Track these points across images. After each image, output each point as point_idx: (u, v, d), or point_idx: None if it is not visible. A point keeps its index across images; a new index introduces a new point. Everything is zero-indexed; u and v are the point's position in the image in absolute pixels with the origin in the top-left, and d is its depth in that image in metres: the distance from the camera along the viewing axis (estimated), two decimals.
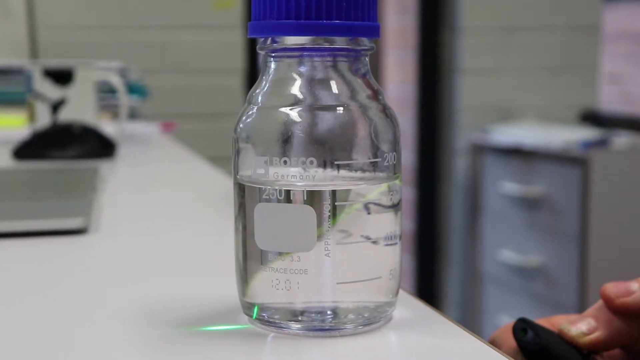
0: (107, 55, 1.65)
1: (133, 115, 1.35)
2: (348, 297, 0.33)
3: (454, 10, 2.12)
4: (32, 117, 1.02)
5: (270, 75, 0.34)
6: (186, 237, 0.56)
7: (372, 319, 0.34)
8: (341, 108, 0.33)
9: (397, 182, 0.35)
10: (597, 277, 1.73)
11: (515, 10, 2.12)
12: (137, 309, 0.38)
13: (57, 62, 1.05)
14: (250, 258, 0.34)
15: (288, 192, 0.32)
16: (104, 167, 0.86)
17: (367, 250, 0.34)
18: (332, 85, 0.34)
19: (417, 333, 0.34)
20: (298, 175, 0.32)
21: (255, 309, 0.34)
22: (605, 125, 2.00)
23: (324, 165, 0.33)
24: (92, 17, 1.77)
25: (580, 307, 1.75)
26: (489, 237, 2.07)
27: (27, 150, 0.92)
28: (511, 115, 2.14)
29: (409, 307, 0.37)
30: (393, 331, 0.34)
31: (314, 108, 0.33)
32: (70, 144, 0.93)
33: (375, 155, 0.33)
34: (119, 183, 0.82)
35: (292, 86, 0.34)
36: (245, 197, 0.34)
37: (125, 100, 1.07)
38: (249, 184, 0.34)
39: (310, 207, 0.32)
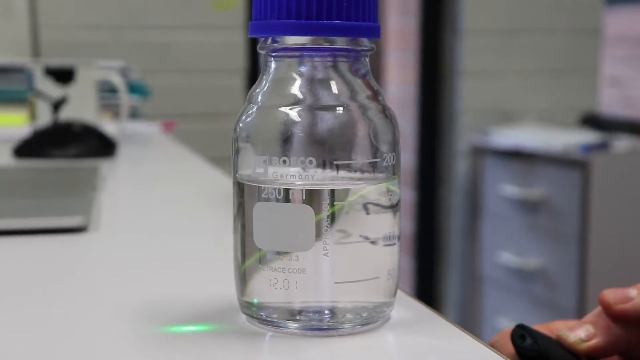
0: (109, 54, 1.66)
1: (134, 114, 1.35)
2: (346, 296, 0.33)
3: (455, 13, 2.12)
4: (33, 116, 1.02)
5: (271, 75, 0.35)
6: (185, 236, 0.56)
7: (370, 319, 0.34)
8: (341, 108, 0.33)
9: (396, 182, 0.35)
10: (596, 280, 1.73)
11: (516, 13, 2.12)
12: (136, 307, 0.38)
13: (58, 61, 1.05)
14: (249, 257, 0.34)
15: (287, 191, 0.33)
16: (104, 166, 0.86)
17: (365, 250, 0.34)
18: (332, 85, 0.34)
19: (414, 333, 0.35)
20: (297, 174, 0.33)
21: (255, 301, 0.34)
22: (605, 128, 2.00)
23: (323, 165, 0.33)
24: (93, 16, 1.77)
25: (580, 310, 1.75)
26: (488, 240, 2.07)
27: (28, 148, 0.92)
28: (512, 118, 2.14)
29: (407, 307, 0.38)
30: (391, 331, 0.34)
31: (313, 108, 0.33)
32: (71, 143, 0.93)
33: (374, 156, 0.34)
34: (119, 182, 0.83)
35: (292, 86, 0.34)
36: (245, 196, 0.34)
37: (126, 99, 1.08)
38: (248, 183, 0.34)
39: (309, 207, 0.32)
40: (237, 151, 0.34)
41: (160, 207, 0.68)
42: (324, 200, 0.32)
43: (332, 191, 0.33)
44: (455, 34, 2.13)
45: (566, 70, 2.18)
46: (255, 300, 0.34)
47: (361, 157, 0.33)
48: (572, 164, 1.78)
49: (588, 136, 1.88)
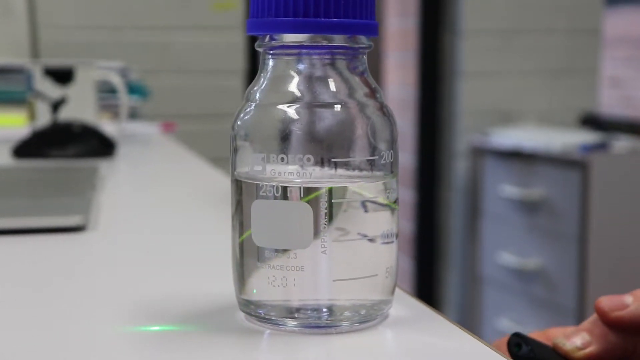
0: (108, 55, 1.66)
1: (133, 115, 1.35)
2: (344, 294, 0.33)
3: (455, 13, 2.12)
4: (32, 116, 1.02)
5: (269, 73, 0.35)
6: (184, 236, 0.56)
7: (368, 316, 0.34)
8: (339, 106, 0.33)
9: (394, 180, 0.35)
10: (596, 281, 1.73)
11: (516, 13, 2.12)
12: (135, 306, 0.38)
13: (57, 61, 1.05)
14: (247, 255, 0.34)
15: (285, 189, 0.33)
16: (103, 166, 0.86)
17: (363, 248, 0.34)
18: (330, 83, 0.34)
19: (413, 331, 0.34)
20: (295, 172, 0.33)
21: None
22: (605, 128, 2.00)
23: (321, 162, 0.33)
24: (93, 16, 1.77)
25: (580, 310, 1.75)
26: (488, 240, 2.07)
27: (27, 148, 0.92)
28: (511, 118, 2.14)
29: (405, 305, 0.38)
30: (389, 329, 0.34)
31: (311, 105, 0.33)
32: (70, 143, 0.93)
33: (372, 153, 0.34)
34: (119, 182, 0.83)
35: (290, 84, 0.34)
36: (243, 194, 0.34)
37: (125, 100, 1.08)
38: (247, 181, 0.34)
39: (307, 205, 0.32)
40: (235, 149, 0.34)
41: (159, 207, 0.68)
42: (322, 197, 0.32)
43: (330, 189, 0.33)
44: (454, 35, 2.13)
45: (566, 70, 2.18)
46: (254, 298, 0.34)
47: (359, 154, 0.33)
48: (572, 164, 1.78)
49: (588, 136, 1.88)
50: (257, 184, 0.33)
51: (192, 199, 0.71)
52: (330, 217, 0.33)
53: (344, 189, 0.33)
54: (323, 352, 0.32)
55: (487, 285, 2.08)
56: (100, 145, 0.95)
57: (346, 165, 0.33)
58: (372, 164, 0.34)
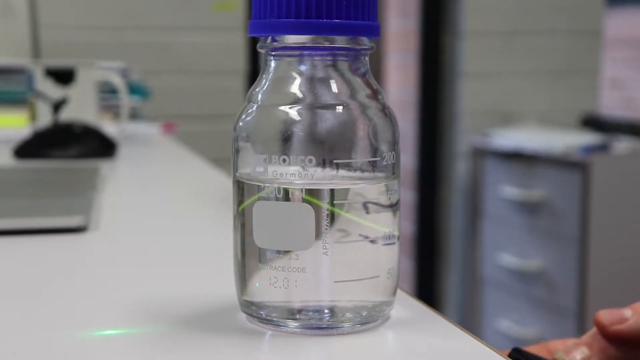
0: (109, 55, 1.66)
1: (134, 115, 1.35)
2: (346, 295, 0.33)
3: (456, 14, 2.12)
4: (33, 117, 1.02)
5: (270, 74, 0.35)
6: (185, 236, 0.56)
7: (370, 318, 0.34)
8: (341, 107, 0.33)
9: (395, 181, 0.35)
10: (596, 282, 1.73)
11: (517, 15, 2.12)
12: (136, 306, 0.38)
13: (58, 61, 1.05)
14: (248, 256, 0.34)
15: (287, 190, 0.33)
16: (104, 166, 0.86)
17: (365, 249, 0.34)
18: (331, 84, 0.34)
19: (414, 332, 0.34)
20: (297, 173, 0.33)
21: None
22: (606, 130, 2.00)
23: (323, 164, 0.33)
24: (94, 17, 1.77)
25: (580, 312, 1.75)
26: (489, 241, 2.07)
27: (28, 149, 0.93)
28: (512, 119, 2.14)
29: (407, 306, 0.38)
30: (390, 330, 0.34)
31: (313, 107, 0.33)
32: (71, 144, 0.93)
33: (374, 155, 0.34)
34: (119, 183, 0.83)
35: (292, 85, 0.34)
36: (244, 195, 0.34)
37: (126, 100, 1.08)
38: (248, 182, 0.34)
39: (309, 206, 0.32)
40: (237, 150, 0.34)
41: (160, 208, 0.68)
42: (324, 199, 0.32)
43: (332, 190, 0.33)
44: (455, 36, 2.13)
45: (567, 71, 2.18)
46: (255, 299, 0.34)
47: (361, 156, 0.33)
48: (573, 165, 1.78)
49: (588, 138, 1.88)
50: (258, 185, 0.33)
51: (193, 200, 0.71)
52: (332, 218, 0.33)
53: (346, 190, 0.33)
54: (324, 353, 0.32)
55: (488, 286, 2.08)
56: (101, 146, 0.95)
57: (348, 167, 0.33)
58: (373, 165, 0.34)
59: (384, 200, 0.34)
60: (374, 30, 0.34)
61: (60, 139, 0.93)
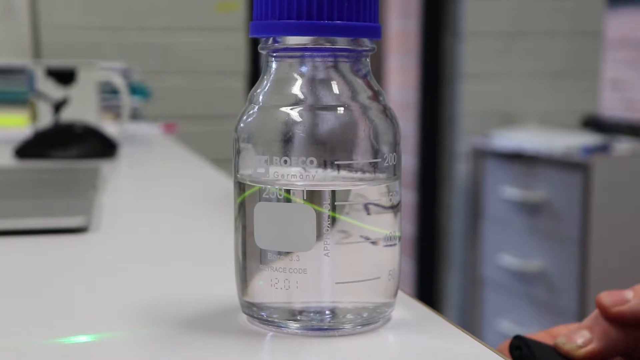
0: (110, 55, 1.66)
1: (135, 116, 1.35)
2: (347, 297, 0.33)
3: (456, 15, 2.12)
4: (34, 117, 1.02)
5: (272, 75, 0.35)
6: (186, 236, 0.56)
7: (371, 319, 0.34)
8: (342, 108, 0.33)
9: (396, 183, 0.35)
10: (597, 283, 1.73)
11: (518, 16, 2.12)
12: (137, 307, 0.38)
13: (59, 62, 1.05)
14: (249, 257, 0.34)
15: (288, 191, 0.33)
16: (105, 167, 0.86)
17: (366, 250, 0.34)
18: (333, 85, 0.34)
19: (415, 334, 0.35)
20: (298, 174, 0.33)
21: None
22: (606, 131, 2.00)
23: (324, 165, 0.33)
24: (95, 17, 1.77)
25: (581, 313, 1.75)
26: (489, 242, 2.07)
27: (29, 149, 0.93)
28: (513, 120, 2.14)
29: (408, 308, 0.38)
30: (391, 332, 0.34)
31: (314, 108, 0.33)
32: (72, 144, 0.93)
33: (375, 156, 0.34)
34: (120, 183, 0.83)
35: (293, 86, 0.34)
36: (246, 196, 0.34)
37: (127, 100, 1.08)
38: (250, 183, 0.34)
39: (310, 207, 0.32)
40: (238, 151, 0.34)
41: (161, 208, 0.68)
42: (325, 200, 0.32)
43: (333, 191, 0.33)
44: (456, 37, 2.13)
45: (567, 72, 2.18)
46: (256, 301, 0.34)
47: (362, 157, 0.33)
48: (573, 166, 1.78)
49: (589, 139, 1.88)
50: (260, 186, 0.33)
51: (194, 200, 0.71)
52: (333, 219, 0.33)
53: (347, 191, 0.33)
54: (325, 354, 0.32)
55: (488, 287, 2.08)
56: (102, 146, 0.95)
57: (349, 168, 0.33)
58: (375, 167, 0.34)
59: (385, 201, 0.34)
60: (375, 32, 0.34)
61: (61, 139, 0.94)
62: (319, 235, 0.32)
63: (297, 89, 0.34)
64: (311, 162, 0.32)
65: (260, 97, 0.34)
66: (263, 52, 0.35)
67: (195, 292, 0.41)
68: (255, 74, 1.91)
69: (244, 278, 0.34)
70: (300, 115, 0.33)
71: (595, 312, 0.40)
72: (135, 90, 1.34)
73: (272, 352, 0.33)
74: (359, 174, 0.33)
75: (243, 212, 0.34)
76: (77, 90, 1.00)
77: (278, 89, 0.34)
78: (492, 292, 2.07)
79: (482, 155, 2.08)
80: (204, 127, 1.86)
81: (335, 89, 0.34)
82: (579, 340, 0.39)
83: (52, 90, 1.00)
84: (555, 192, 1.84)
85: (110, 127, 1.08)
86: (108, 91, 1.21)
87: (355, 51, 0.34)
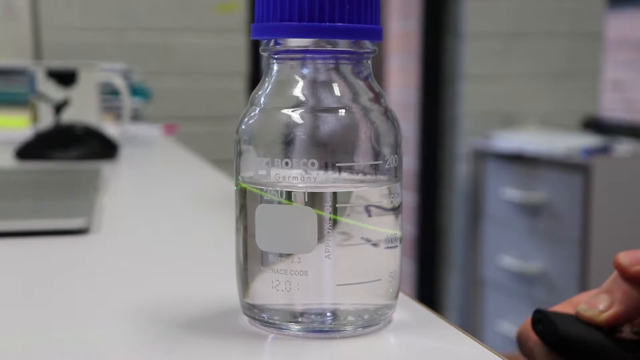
0: (111, 56, 1.66)
1: (136, 117, 1.35)
2: (348, 299, 0.33)
3: (457, 16, 2.12)
4: (35, 118, 1.02)
5: (273, 77, 0.35)
6: (187, 238, 0.56)
7: (372, 321, 0.34)
8: (343, 110, 0.33)
9: (398, 185, 0.35)
10: (597, 284, 1.72)
11: (518, 17, 2.13)
12: (138, 308, 0.38)
13: (60, 63, 1.05)
14: (250, 259, 0.34)
15: (289, 193, 0.33)
16: (106, 168, 0.86)
17: (367, 252, 0.34)
18: (334, 87, 0.34)
19: (416, 336, 0.35)
20: (299, 176, 0.33)
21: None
22: (607, 132, 2.00)
23: (325, 167, 0.33)
24: (95, 18, 1.77)
25: None
26: (490, 243, 2.07)
27: (30, 150, 0.93)
28: (513, 122, 2.14)
29: (409, 309, 0.38)
30: (392, 333, 0.34)
31: (316, 110, 0.33)
32: (73, 145, 0.93)
33: (376, 158, 0.34)
34: (121, 184, 0.83)
35: (294, 88, 0.34)
36: (247, 198, 0.34)
37: (128, 101, 1.08)
38: (251, 185, 0.34)
39: (311, 209, 0.32)
40: (239, 153, 0.34)
41: (162, 209, 0.68)
42: (326, 202, 0.32)
43: (334, 193, 0.33)
44: (457, 38, 2.13)
45: (568, 73, 2.18)
46: (257, 302, 0.34)
47: (363, 159, 0.33)
48: (574, 167, 1.78)
49: (589, 140, 1.88)
50: (261, 188, 0.33)
51: (195, 201, 0.71)
52: (334, 221, 0.33)
53: (348, 193, 0.33)
54: (326, 356, 0.32)
55: (489, 288, 2.08)
56: (102, 147, 0.95)
57: (350, 170, 0.33)
58: (376, 169, 0.34)
59: (386, 203, 0.34)
60: (377, 34, 0.34)
61: (62, 140, 0.94)
62: (320, 237, 0.32)
63: (298, 91, 0.34)
64: (312, 164, 0.32)
65: (262, 99, 0.34)
66: (264, 54, 0.35)
67: (196, 293, 0.41)
68: (255, 75, 1.91)
69: (244, 280, 0.35)
70: (302, 117, 0.33)
71: (614, 275, 0.40)
72: (135, 91, 1.34)
73: (272, 354, 0.33)
74: (360, 176, 0.33)
75: (244, 213, 0.34)
76: (77, 91, 1.00)
77: (279, 91, 0.34)
78: (492, 293, 2.07)
79: (482, 156, 2.08)
80: (205, 128, 1.86)
81: (337, 91, 0.34)
82: (600, 305, 0.39)
83: (53, 91, 1.00)
84: (555, 194, 1.84)
85: (110, 128, 1.08)
86: (109, 92, 1.21)
87: (357, 53, 0.34)
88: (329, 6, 0.33)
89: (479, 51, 2.11)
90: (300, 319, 0.33)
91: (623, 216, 1.79)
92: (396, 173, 0.34)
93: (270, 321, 0.34)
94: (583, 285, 1.75)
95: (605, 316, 0.38)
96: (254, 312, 0.34)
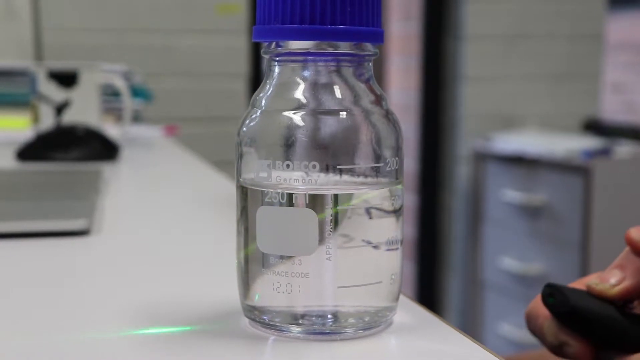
0: (112, 58, 1.66)
1: (136, 118, 1.35)
2: (349, 301, 0.33)
3: (458, 18, 2.12)
4: (36, 119, 1.02)
5: (274, 79, 0.35)
6: (188, 239, 0.56)
7: (373, 323, 0.34)
8: (344, 113, 0.33)
9: (399, 187, 0.35)
10: None
11: (519, 19, 2.13)
12: (139, 310, 0.38)
13: (61, 64, 1.05)
14: (252, 261, 0.34)
15: (290, 195, 0.33)
16: (107, 169, 0.86)
17: (368, 254, 0.34)
18: (335, 90, 0.34)
19: (417, 338, 0.35)
20: (300, 179, 0.33)
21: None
22: (607, 134, 2.00)
23: (326, 169, 0.33)
24: (97, 19, 1.77)
25: None
26: (490, 245, 2.07)
27: (31, 151, 0.93)
28: (514, 123, 2.14)
29: (410, 312, 0.38)
30: (393, 336, 0.35)
31: (317, 112, 0.33)
32: (74, 146, 0.93)
33: (377, 160, 0.34)
34: (122, 185, 0.83)
35: (295, 90, 0.34)
36: (248, 200, 0.34)
37: (129, 103, 1.08)
38: (252, 187, 0.34)
39: (312, 211, 0.32)
40: (240, 155, 0.35)
41: (163, 211, 0.68)
42: (327, 204, 0.33)
43: (335, 195, 0.33)
44: (457, 39, 2.13)
45: (568, 75, 2.18)
46: (258, 304, 0.34)
47: (364, 161, 0.33)
48: (574, 169, 1.78)
49: (590, 142, 1.88)
50: (262, 190, 0.33)
51: (195, 203, 0.71)
52: (335, 223, 0.33)
53: (349, 195, 0.33)
54: (327, 358, 0.32)
55: (489, 290, 2.08)
56: (103, 149, 0.95)
57: (351, 172, 0.33)
58: (377, 171, 0.34)
59: (387, 205, 0.34)
60: (378, 36, 0.34)
61: (63, 141, 0.94)
62: (321, 240, 0.32)
63: (299, 93, 0.34)
64: (313, 166, 0.33)
65: (263, 102, 0.34)
66: (266, 57, 0.35)
67: (197, 295, 0.41)
68: (256, 76, 1.91)
69: (246, 282, 0.35)
70: (303, 119, 0.33)
71: (626, 250, 0.39)
72: (136, 92, 1.34)
73: (273, 356, 0.33)
74: (361, 179, 0.33)
75: (245, 215, 0.34)
76: (78, 92, 1.00)
77: (281, 93, 0.34)
78: (493, 295, 2.07)
79: (483, 158, 2.08)
80: (206, 130, 1.86)
81: (338, 93, 0.34)
82: (612, 279, 0.38)
83: (54, 92, 1.00)
84: (556, 196, 1.84)
85: (111, 130, 1.08)
86: (109, 93, 1.21)
87: (358, 56, 0.34)
88: (330, 8, 0.33)
89: (480, 53, 2.11)
90: (301, 321, 0.33)
91: (623, 218, 1.79)
92: (397, 175, 0.35)
93: (271, 323, 0.34)
94: None
95: (616, 290, 0.38)
96: (255, 314, 0.34)
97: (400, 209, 0.35)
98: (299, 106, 0.33)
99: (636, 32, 2.22)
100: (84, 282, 0.45)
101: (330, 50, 0.34)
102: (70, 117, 1.00)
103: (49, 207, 0.61)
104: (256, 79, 1.91)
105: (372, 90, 0.35)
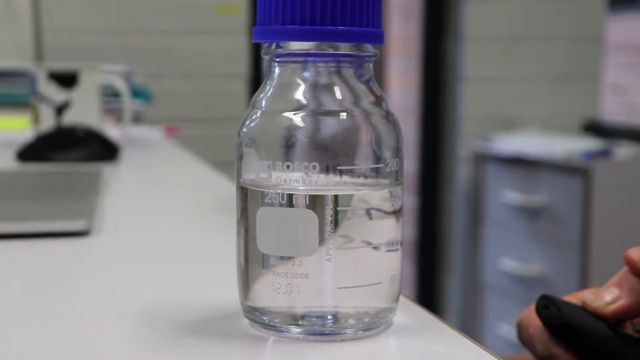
0: (112, 59, 1.66)
1: (137, 119, 1.36)
2: (349, 302, 0.33)
3: (458, 19, 2.12)
4: (36, 120, 1.02)
5: (274, 80, 0.35)
6: (188, 240, 0.56)
7: (373, 324, 0.34)
8: (344, 114, 0.33)
9: (399, 188, 0.35)
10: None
11: (519, 20, 2.13)
12: (139, 311, 0.38)
13: (62, 65, 1.05)
14: (252, 262, 0.34)
15: (290, 196, 0.33)
16: (107, 170, 0.86)
17: (368, 255, 0.34)
18: (335, 90, 0.34)
19: (417, 339, 0.35)
20: (301, 179, 0.33)
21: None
22: (607, 135, 2.00)
23: (326, 170, 0.33)
24: (97, 21, 1.77)
25: None
26: (490, 246, 2.07)
27: (31, 152, 0.93)
28: (514, 125, 2.14)
29: (409, 313, 0.38)
30: (393, 336, 0.35)
31: (317, 113, 0.33)
32: (74, 147, 0.93)
33: (377, 161, 0.34)
34: (122, 186, 0.83)
35: (295, 91, 0.34)
36: (248, 200, 0.34)
37: (129, 104, 1.08)
38: (252, 188, 0.34)
39: (312, 212, 0.32)
40: (240, 156, 0.35)
41: (163, 212, 0.68)
42: (327, 205, 0.33)
43: (336, 196, 0.33)
44: (457, 40, 2.13)
45: (568, 77, 2.18)
46: (258, 305, 0.34)
47: (364, 162, 0.33)
48: (574, 171, 1.78)
49: (590, 143, 1.88)
50: (262, 191, 0.33)
51: (195, 204, 0.71)
52: (336, 224, 0.33)
53: (349, 196, 0.33)
54: (327, 359, 0.32)
55: (489, 291, 2.08)
56: (103, 150, 0.95)
57: (351, 173, 0.33)
58: (377, 172, 0.34)
59: (387, 206, 0.34)
60: (378, 37, 0.34)
61: (63, 142, 0.94)
62: (321, 240, 0.32)
63: (299, 94, 0.34)
64: (314, 167, 0.33)
65: (263, 102, 0.34)
66: (266, 57, 0.35)
67: (196, 295, 0.41)
68: (257, 77, 1.91)
69: (246, 282, 0.35)
70: (303, 120, 0.33)
71: (624, 269, 0.39)
72: (136, 93, 1.34)
73: (273, 356, 0.33)
74: (361, 179, 0.33)
75: (245, 216, 0.34)
76: (79, 93, 1.01)
77: (281, 94, 0.34)
78: (492, 296, 2.07)
79: (483, 159, 2.08)
80: (206, 131, 1.86)
81: (338, 94, 0.34)
82: (608, 297, 0.38)
83: (54, 93, 1.00)
84: (555, 197, 1.84)
85: (111, 131, 1.08)
86: (110, 94, 1.21)
87: (358, 57, 0.34)
88: (331, 9, 0.33)
89: (480, 54, 2.11)
90: (301, 322, 0.33)
91: (623, 219, 1.79)
92: (397, 176, 0.35)
93: (271, 324, 0.34)
94: (583, 288, 1.75)
95: (611, 308, 0.38)
96: (255, 314, 0.34)
97: (400, 209, 0.35)
98: (299, 107, 0.34)
99: (636, 34, 2.22)
100: (83, 282, 0.45)
101: (331, 51, 0.34)
102: (70, 118, 1.00)
103: (49, 208, 0.61)
104: (256, 80, 1.91)
105: (372, 91, 0.35)
